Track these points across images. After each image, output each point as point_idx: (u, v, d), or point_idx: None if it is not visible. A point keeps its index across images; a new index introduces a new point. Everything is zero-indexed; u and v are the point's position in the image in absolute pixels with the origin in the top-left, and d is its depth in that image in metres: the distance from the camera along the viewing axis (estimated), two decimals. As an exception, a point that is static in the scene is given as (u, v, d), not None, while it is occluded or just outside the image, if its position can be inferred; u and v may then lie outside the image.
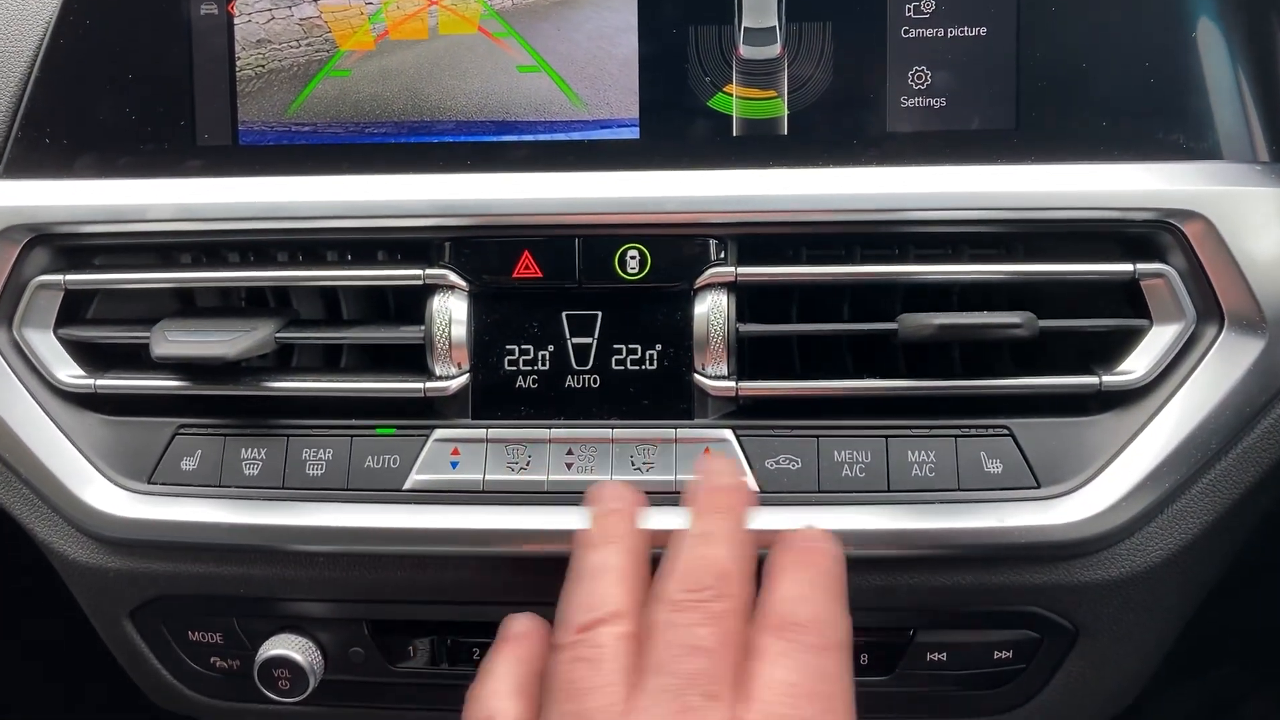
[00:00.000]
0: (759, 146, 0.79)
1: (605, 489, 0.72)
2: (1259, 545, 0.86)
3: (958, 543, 0.75)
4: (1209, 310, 0.75)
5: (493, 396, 0.80)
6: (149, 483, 0.81)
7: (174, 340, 0.79)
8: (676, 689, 0.58)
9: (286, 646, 0.82)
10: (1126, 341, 0.77)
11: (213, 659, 0.85)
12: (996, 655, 0.80)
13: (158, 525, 0.80)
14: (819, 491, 0.77)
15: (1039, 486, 0.76)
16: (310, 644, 0.82)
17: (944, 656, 0.80)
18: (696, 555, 0.65)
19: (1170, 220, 0.75)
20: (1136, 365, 0.76)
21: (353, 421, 0.81)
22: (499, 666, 0.68)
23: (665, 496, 0.77)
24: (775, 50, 0.79)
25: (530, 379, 0.80)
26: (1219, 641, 1.65)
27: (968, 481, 0.76)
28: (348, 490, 0.79)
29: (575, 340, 0.80)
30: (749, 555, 0.66)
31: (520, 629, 0.70)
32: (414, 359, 0.80)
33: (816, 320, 0.79)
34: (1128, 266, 0.76)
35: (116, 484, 0.81)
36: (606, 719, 0.58)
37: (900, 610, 0.79)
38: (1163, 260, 0.76)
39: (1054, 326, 0.75)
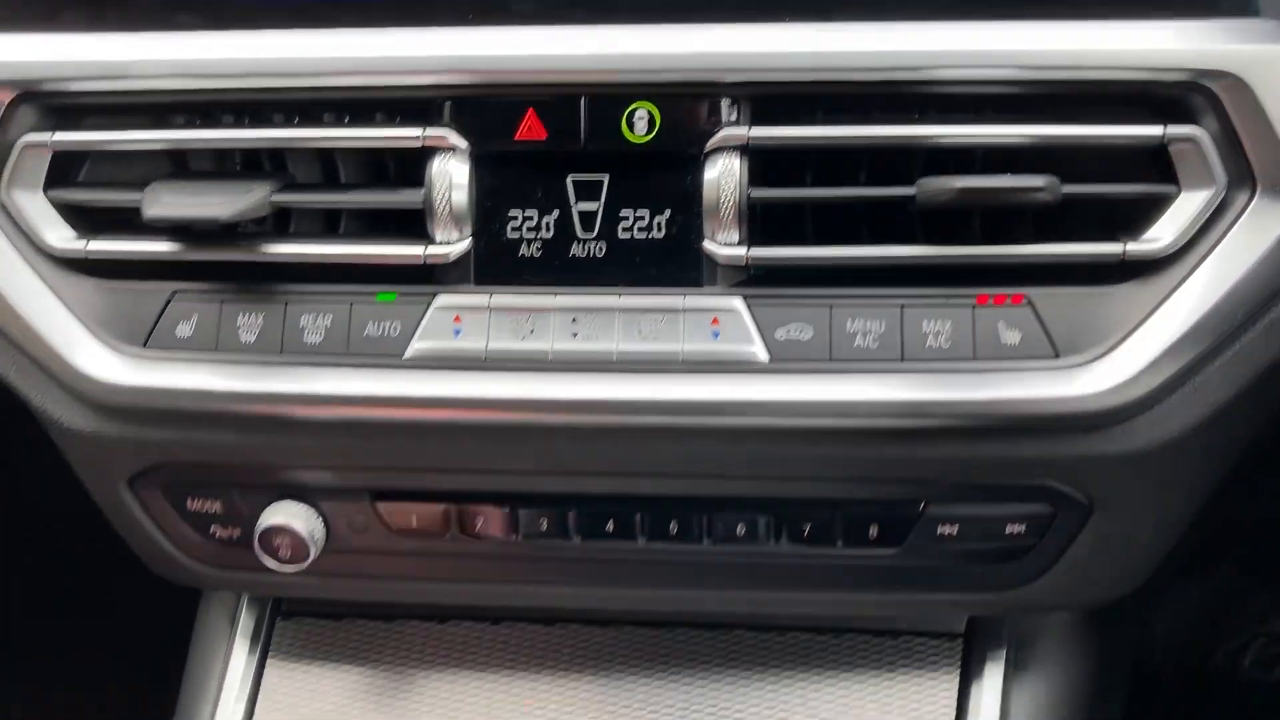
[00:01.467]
0: (777, 1, 0.76)
1: None
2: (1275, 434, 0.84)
3: (972, 414, 0.74)
4: (1240, 176, 0.72)
5: (495, 264, 0.77)
6: (144, 348, 0.79)
7: (167, 202, 0.76)
8: None
9: (287, 515, 0.81)
10: (1151, 210, 0.74)
11: (212, 528, 0.85)
12: (1008, 529, 0.78)
13: (153, 391, 0.79)
14: (830, 361, 0.75)
15: (1058, 357, 0.74)
16: (311, 512, 0.81)
17: (954, 530, 0.79)
18: None
19: (1202, 81, 0.72)
20: (1162, 233, 0.73)
21: (352, 287, 0.78)
22: None
23: (671, 366, 0.75)
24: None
25: (534, 246, 0.77)
26: (1221, 542, 1.65)
27: (984, 352, 0.74)
28: (347, 357, 0.78)
29: (580, 206, 0.77)
30: None
31: None
32: (414, 225, 0.78)
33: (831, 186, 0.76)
34: (1157, 129, 0.72)
35: (111, 349, 0.79)
36: None
37: (911, 482, 0.78)
38: (1193, 123, 0.72)
39: (1078, 192, 0.72)
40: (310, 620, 0.95)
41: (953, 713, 0.88)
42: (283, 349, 0.78)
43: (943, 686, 0.88)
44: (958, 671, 0.89)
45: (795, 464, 0.77)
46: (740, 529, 0.80)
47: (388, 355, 0.77)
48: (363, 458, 0.80)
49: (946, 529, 0.79)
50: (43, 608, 1.49)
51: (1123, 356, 0.73)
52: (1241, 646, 1.65)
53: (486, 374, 0.77)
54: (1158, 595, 1.71)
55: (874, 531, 0.79)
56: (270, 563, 0.81)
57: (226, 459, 0.81)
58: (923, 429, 0.75)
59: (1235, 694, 1.62)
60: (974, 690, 0.87)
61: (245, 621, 0.95)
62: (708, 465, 0.77)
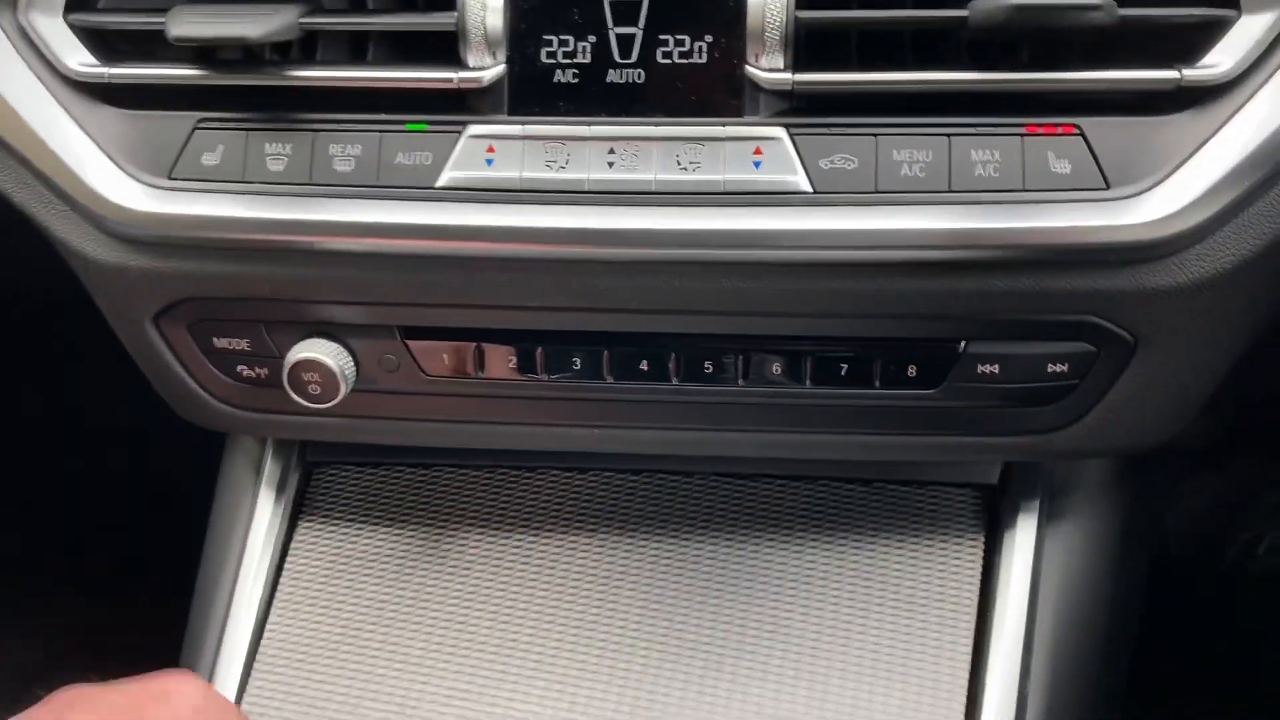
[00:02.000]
0: None
1: None
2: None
3: (1021, 244, 0.72)
4: (1303, -2, 0.70)
5: (529, 91, 0.75)
6: (170, 178, 0.77)
7: (192, 22, 0.74)
8: None
9: (317, 351, 0.79)
10: (1207, 37, 0.71)
11: (240, 367, 0.83)
12: (1050, 369, 0.77)
13: (180, 220, 0.77)
14: (876, 192, 0.73)
15: (1108, 188, 0.72)
16: (341, 349, 0.80)
17: (995, 369, 0.77)
18: None
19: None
20: (1220, 59, 0.71)
21: (382, 116, 0.76)
22: None
23: (712, 198, 0.73)
24: None
25: (570, 73, 0.75)
26: (1241, 433, 1.64)
27: (1033, 182, 0.72)
28: (378, 187, 0.76)
29: (618, 30, 0.74)
30: None
31: None
32: (446, 51, 0.75)
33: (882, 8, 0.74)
34: None
35: (136, 179, 0.78)
36: None
37: (953, 319, 0.76)
38: (1255, -58, 0.70)
39: (1135, 15, 0.70)
40: (336, 469, 0.95)
41: (980, 563, 0.87)
42: (311, 178, 0.76)
43: (971, 537, 0.88)
44: (988, 523, 0.88)
45: (836, 300, 0.75)
46: (776, 368, 0.79)
47: (419, 185, 0.75)
48: (393, 292, 0.78)
49: (987, 368, 0.77)
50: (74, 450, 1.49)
51: (1175, 187, 0.71)
52: (1256, 537, 1.66)
53: (520, 205, 0.75)
54: (1171, 490, 1.71)
55: (912, 371, 0.78)
56: (299, 400, 0.80)
57: (254, 293, 0.79)
58: (970, 261, 0.73)
59: (1248, 583, 1.63)
60: (1005, 541, 0.86)
61: (271, 470, 0.94)
62: (747, 301, 0.75)
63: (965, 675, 0.83)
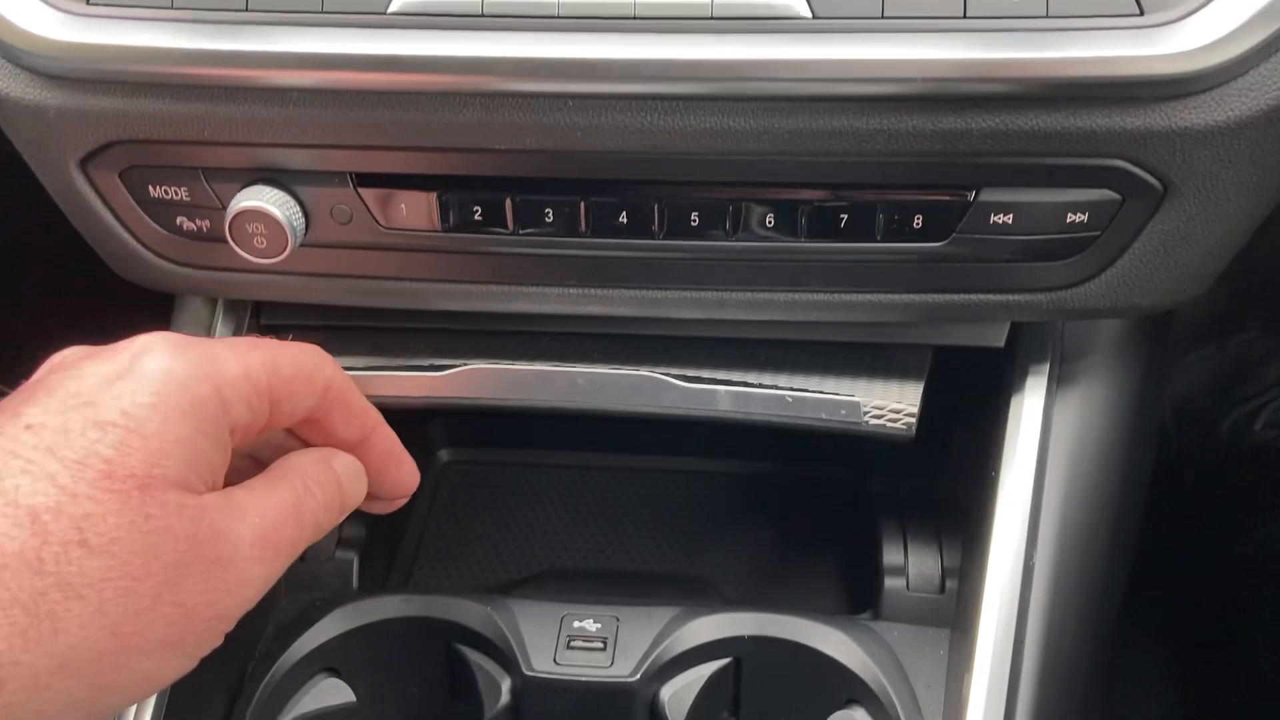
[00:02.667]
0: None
1: None
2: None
3: (1044, 76, 0.64)
4: None
5: (493, -100, 0.66)
6: (89, 3, 0.69)
7: None
8: None
9: (261, 199, 0.71)
10: None
11: (179, 219, 0.76)
12: (1070, 219, 0.70)
13: (101, 52, 0.68)
14: (882, 18, 0.65)
15: (1142, 14, 0.64)
16: (288, 198, 0.72)
17: (1009, 219, 0.70)
18: None
19: None
20: None
21: None
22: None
23: (700, 23, 0.65)
24: None
25: (538, -118, 0.66)
26: (1244, 304, 1.59)
27: (1059, 7, 0.64)
28: (323, 14, 0.67)
29: None
30: None
31: None
32: None
33: None
34: None
35: (50, 5, 0.69)
36: None
37: (966, 163, 0.68)
38: None
39: None
40: (292, 332, 0.88)
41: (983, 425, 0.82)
42: (248, 4, 0.68)
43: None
44: (994, 388, 0.82)
45: (836, 140, 0.67)
46: (768, 221, 0.72)
47: (369, 11, 0.67)
48: (343, 134, 0.70)
49: (1000, 218, 0.70)
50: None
51: (1216, 13, 0.64)
52: (1255, 410, 1.62)
53: (484, 32, 0.66)
54: (1178, 360, 1.67)
55: (919, 222, 0.71)
56: (244, 254, 0.72)
57: (189, 135, 0.71)
58: (985, 95, 0.65)
59: (1244, 456, 1.60)
60: (1013, 406, 0.80)
61: (221, 333, 0.87)
62: (736, 143, 0.68)
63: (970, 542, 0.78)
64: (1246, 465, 1.56)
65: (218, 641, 0.60)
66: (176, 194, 0.75)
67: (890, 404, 0.75)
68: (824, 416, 0.76)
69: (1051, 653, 0.78)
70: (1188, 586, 1.57)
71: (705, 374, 0.79)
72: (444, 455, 1.14)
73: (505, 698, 0.86)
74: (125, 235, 0.77)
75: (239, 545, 0.59)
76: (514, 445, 1.11)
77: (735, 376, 0.79)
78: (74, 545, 0.53)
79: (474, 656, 0.87)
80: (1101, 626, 0.82)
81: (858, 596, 0.97)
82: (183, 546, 0.56)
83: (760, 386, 0.77)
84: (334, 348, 0.84)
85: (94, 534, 0.53)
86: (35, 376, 0.61)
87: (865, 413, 0.75)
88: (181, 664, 0.59)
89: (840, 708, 0.85)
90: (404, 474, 0.76)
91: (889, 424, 0.75)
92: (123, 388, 0.57)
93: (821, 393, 0.76)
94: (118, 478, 0.54)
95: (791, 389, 0.77)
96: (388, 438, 0.73)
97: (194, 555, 0.56)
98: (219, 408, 0.60)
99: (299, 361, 0.66)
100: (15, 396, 0.58)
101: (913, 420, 0.75)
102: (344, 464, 0.70)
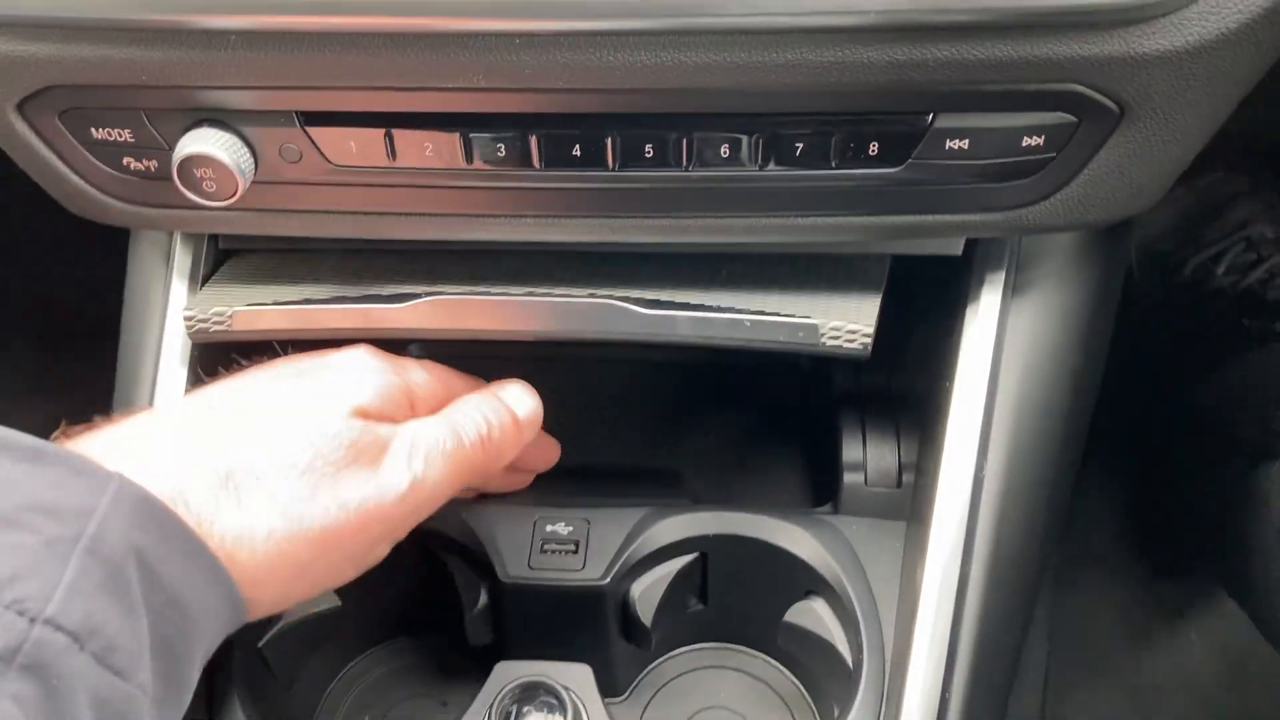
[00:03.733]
0: None
1: None
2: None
3: (1000, 4, 0.63)
4: None
5: None
6: None
7: None
8: None
9: (207, 143, 0.70)
10: None
11: (125, 159, 0.74)
12: (1025, 142, 0.70)
13: (27, -2, 0.66)
14: None
15: (1102, -63, 0.62)
16: (235, 139, 0.71)
17: (965, 144, 0.70)
18: None
19: None
20: None
21: None
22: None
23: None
24: None
25: None
26: (1212, 149, 1.58)
27: (1016, -70, 0.62)
28: None
29: None
30: None
31: None
32: None
33: None
34: None
35: (-32, -54, 0.66)
36: None
37: (921, 91, 0.67)
38: None
39: None
40: (250, 256, 0.87)
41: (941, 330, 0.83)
42: (177, -56, 0.65)
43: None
44: (951, 296, 0.83)
45: (789, 74, 0.66)
46: (724, 150, 0.71)
47: (304, -52, 0.64)
48: (285, 75, 0.69)
49: (956, 143, 0.70)
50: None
51: (1179, -67, 0.62)
52: (1217, 255, 1.63)
53: (425, -31, 0.64)
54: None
55: (874, 149, 0.71)
56: (194, 197, 0.72)
57: (126, 80, 0.69)
58: (942, 25, 0.64)
59: (1204, 303, 1.62)
60: (969, 311, 0.82)
61: (181, 259, 0.86)
62: (687, 78, 0.66)
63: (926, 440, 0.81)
64: (1207, 312, 1.59)
65: (376, 545, 0.72)
66: (120, 135, 0.73)
67: (847, 325, 0.76)
68: (782, 339, 0.77)
69: (1001, 544, 0.81)
70: (1143, 433, 1.62)
71: (665, 296, 0.80)
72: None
73: (483, 600, 0.90)
74: (72, 175, 0.76)
75: (396, 454, 0.69)
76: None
77: (694, 298, 0.79)
78: (262, 433, 0.65)
79: (453, 562, 0.91)
80: (1050, 518, 0.85)
81: (819, 490, 1.00)
82: (344, 450, 0.67)
83: (719, 310, 0.78)
84: (291, 275, 0.84)
85: (279, 427, 0.66)
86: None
87: (822, 335, 0.76)
88: (344, 562, 0.70)
89: (800, 599, 0.89)
90: (550, 448, 0.92)
91: (845, 344, 0.76)
92: (332, 357, 0.75)
93: (779, 315, 0.77)
94: (313, 393, 0.70)
95: (749, 311, 0.78)
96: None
97: (354, 458, 0.67)
98: (401, 393, 0.74)
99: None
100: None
101: (869, 340, 0.76)
102: (513, 392, 0.82)
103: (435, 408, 0.76)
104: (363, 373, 0.73)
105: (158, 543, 0.54)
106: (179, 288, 0.87)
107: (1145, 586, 1.66)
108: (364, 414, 0.69)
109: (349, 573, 0.72)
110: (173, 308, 0.87)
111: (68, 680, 0.47)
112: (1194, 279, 1.69)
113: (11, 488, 0.51)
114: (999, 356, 0.81)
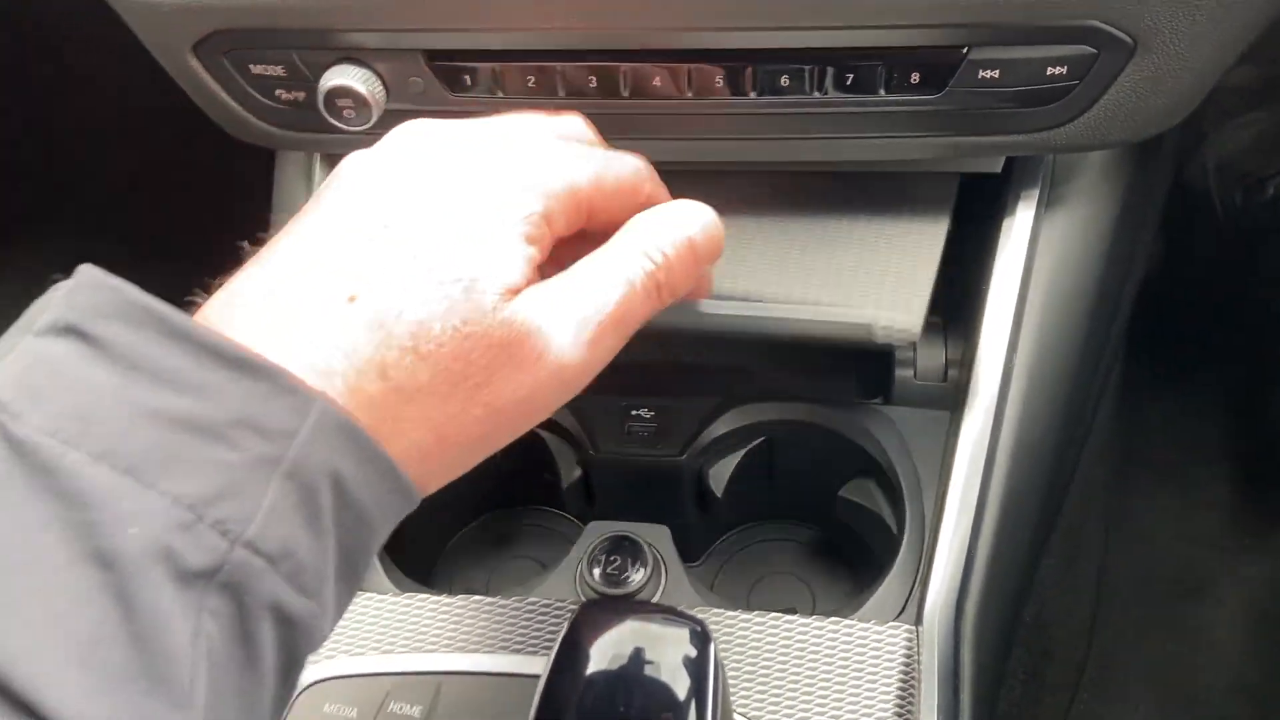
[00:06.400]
0: None
1: None
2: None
3: (1022, -47, 0.72)
4: None
5: None
6: None
7: None
8: None
9: (347, 77, 0.83)
10: None
11: (278, 91, 0.88)
12: (1049, 71, 0.79)
13: (201, -43, 0.80)
14: None
15: (1117, -113, 0.71)
16: (370, 74, 0.84)
17: (996, 74, 0.80)
18: None
19: None
20: None
21: None
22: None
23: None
24: None
25: None
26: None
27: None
28: None
29: None
30: None
31: None
32: None
33: None
34: None
35: (153, -86, 0.80)
36: None
37: (955, 26, 0.77)
38: None
39: None
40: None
41: (983, 242, 0.93)
42: (322, -92, 0.78)
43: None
44: (993, 211, 0.93)
45: (840, 9, 0.77)
46: (785, 80, 0.82)
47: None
48: (412, 18, 0.81)
49: (988, 73, 0.80)
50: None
51: (1187, -117, 0.70)
52: (1291, 175, 1.67)
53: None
54: (1219, 125, 1.71)
55: (916, 78, 0.81)
56: (336, 123, 0.85)
57: (279, 23, 0.83)
58: (970, -29, 0.74)
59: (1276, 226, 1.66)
60: (1005, 225, 0.92)
61: (321, 178, 1.01)
62: (752, 16, 0.77)
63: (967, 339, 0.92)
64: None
65: (524, 429, 0.63)
66: (274, 71, 0.87)
67: (896, 326, 0.86)
68: (837, 335, 0.88)
69: (1025, 427, 0.92)
70: (1226, 343, 1.67)
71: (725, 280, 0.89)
72: None
73: (577, 472, 1.04)
74: (234, 105, 0.90)
75: (549, 340, 0.59)
76: None
77: (754, 284, 0.90)
78: (409, 352, 0.55)
79: (551, 440, 1.05)
80: (1069, 408, 0.95)
81: (874, 385, 1.11)
82: (495, 350, 0.58)
83: (776, 302, 0.89)
84: None
85: (423, 341, 0.56)
86: (389, 153, 0.64)
87: (874, 332, 0.87)
88: (490, 450, 0.63)
89: (854, 478, 1.02)
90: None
91: (896, 338, 0.87)
92: (459, 203, 0.60)
93: (834, 311, 0.88)
94: (458, 283, 0.57)
95: (807, 302, 0.88)
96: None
97: (505, 357, 0.58)
98: (543, 221, 0.61)
99: (621, 176, 0.67)
100: (371, 178, 0.61)
101: (917, 335, 0.86)
102: (693, 221, 0.68)
103: (618, 217, 0.67)
104: (539, 196, 0.61)
105: (354, 467, 0.52)
106: (316, 202, 1.02)
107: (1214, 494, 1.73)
108: (517, 290, 0.59)
109: (504, 443, 0.64)
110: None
111: (258, 598, 0.48)
112: (1275, 198, 1.73)
113: (221, 399, 0.49)
114: (1030, 264, 0.91)
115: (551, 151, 0.65)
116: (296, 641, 0.50)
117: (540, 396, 0.61)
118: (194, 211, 1.69)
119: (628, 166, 0.69)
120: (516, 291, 0.59)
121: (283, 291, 0.55)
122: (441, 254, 0.57)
